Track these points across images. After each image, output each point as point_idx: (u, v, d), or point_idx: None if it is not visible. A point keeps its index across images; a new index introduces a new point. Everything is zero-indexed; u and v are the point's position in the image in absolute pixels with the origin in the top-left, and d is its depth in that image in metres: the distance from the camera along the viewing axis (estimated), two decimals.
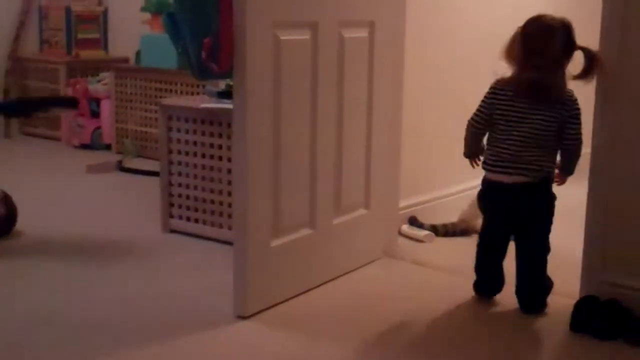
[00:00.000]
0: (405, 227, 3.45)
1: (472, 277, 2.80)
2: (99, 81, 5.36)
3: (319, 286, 2.85)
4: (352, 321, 2.61)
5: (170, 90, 4.88)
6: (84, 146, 5.31)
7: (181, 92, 4.81)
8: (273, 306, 2.67)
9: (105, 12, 5.78)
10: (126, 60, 5.56)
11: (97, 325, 2.53)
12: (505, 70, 2.62)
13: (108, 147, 5.27)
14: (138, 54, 5.10)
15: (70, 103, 3.90)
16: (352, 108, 2.93)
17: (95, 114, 5.33)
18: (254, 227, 2.58)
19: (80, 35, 5.67)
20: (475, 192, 2.75)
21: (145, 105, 5.06)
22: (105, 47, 5.82)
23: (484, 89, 2.69)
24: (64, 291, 2.82)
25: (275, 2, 2.54)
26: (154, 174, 4.26)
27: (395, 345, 2.45)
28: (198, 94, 4.58)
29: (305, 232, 2.80)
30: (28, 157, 5.15)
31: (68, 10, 5.62)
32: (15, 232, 3.41)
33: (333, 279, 2.92)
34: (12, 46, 5.80)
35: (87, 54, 5.67)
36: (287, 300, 2.72)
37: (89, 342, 2.42)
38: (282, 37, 2.58)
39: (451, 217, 3.53)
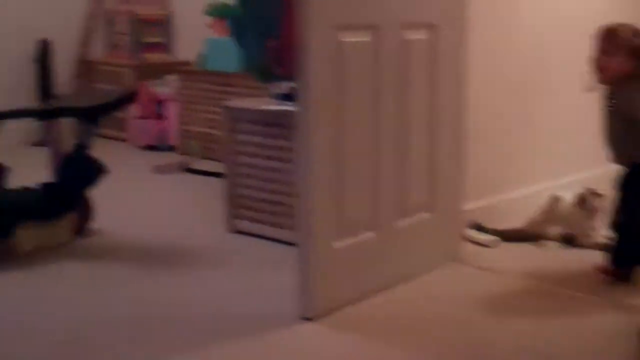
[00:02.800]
0: (470, 232, 3.39)
1: (540, 281, 2.73)
2: (164, 84, 5.42)
3: (382, 289, 2.82)
4: (416, 326, 2.57)
5: (234, 93, 4.88)
6: (150, 147, 5.37)
7: (245, 95, 4.82)
8: (337, 308, 2.65)
9: (170, 17, 5.84)
10: (191, 63, 5.61)
11: (164, 324, 2.55)
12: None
13: (173, 148, 5.32)
14: (202, 57, 5.13)
15: (131, 98, 3.94)
16: (415, 109, 2.89)
17: (161, 116, 5.39)
18: (318, 229, 2.57)
19: (146, 39, 5.74)
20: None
21: (209, 107, 5.09)
22: (170, 51, 5.88)
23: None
24: (134, 289, 2.85)
25: (336, 4, 2.52)
26: (218, 174, 4.29)
27: (459, 351, 2.40)
28: (261, 96, 4.58)
29: (368, 234, 2.77)
30: (96, 157, 5.22)
31: (134, 14, 5.70)
32: (88, 231, 3.47)
33: (397, 283, 2.89)
34: (80, 50, 5.91)
35: (152, 57, 5.74)
36: (351, 302, 2.70)
37: (157, 340, 2.44)
38: (344, 40, 2.56)
39: (517, 221, 3.46)
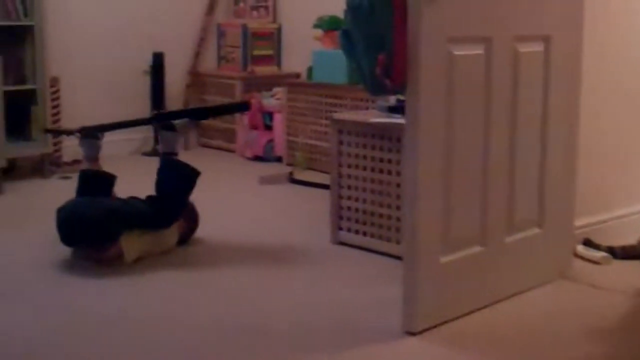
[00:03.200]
0: (581, 248, 3.29)
1: None
2: (272, 96, 5.50)
3: (489, 305, 2.76)
4: (522, 343, 2.50)
5: (340, 105, 4.91)
6: (257, 158, 5.45)
7: (351, 107, 4.84)
8: (442, 324, 2.61)
9: (279, 30, 5.93)
10: (298, 75, 5.67)
11: (267, 332, 2.57)
12: None
13: (279, 159, 5.38)
14: (310, 69, 5.18)
15: (244, 107, 4.03)
16: (526, 123, 2.82)
17: (268, 127, 5.47)
18: (424, 242, 2.54)
19: (255, 52, 5.84)
20: None
21: (316, 119, 5.13)
22: (279, 63, 5.97)
23: None
24: (238, 298, 2.89)
25: (449, 18, 2.49)
26: (324, 186, 4.31)
27: None
28: (367, 108, 4.59)
29: (475, 249, 2.72)
30: (205, 167, 5.29)
31: (245, 28, 5.81)
32: (194, 239, 3.55)
33: (504, 299, 2.82)
34: (192, 62, 6.07)
35: (261, 69, 5.83)
36: (456, 318, 2.65)
37: (259, 348, 2.46)
38: (456, 53, 2.53)
39: (630, 238, 3.33)
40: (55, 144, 4.99)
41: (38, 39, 4.78)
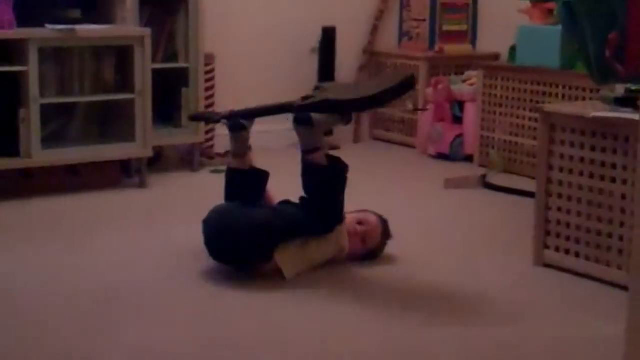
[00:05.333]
0: None
1: None
2: (464, 81, 5.48)
3: None
4: None
5: (550, 94, 4.84)
6: (442, 156, 5.46)
7: (563, 97, 4.75)
8: None
9: (475, 0, 5.90)
10: (497, 56, 5.62)
11: None
12: None
13: (470, 158, 5.37)
14: (512, 49, 5.14)
15: (407, 85, 3.77)
16: None
17: (458, 120, 5.46)
18: None
19: (445, 27, 5.85)
20: None
21: (518, 111, 5.08)
22: (474, 41, 5.94)
23: None
24: (408, 324, 2.92)
25: None
26: (527, 194, 4.26)
27: None
28: (584, 99, 4.49)
29: None
30: (378, 165, 5.39)
31: None
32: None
33: None
34: (368, 39, 6.14)
35: (452, 48, 5.83)
36: None
37: None
38: None
39: None
40: (207, 132, 5.18)
41: (192, 10, 5.00)
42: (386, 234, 3.57)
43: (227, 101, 5.02)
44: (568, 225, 3.40)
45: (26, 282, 3.24)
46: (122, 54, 4.69)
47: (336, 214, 3.42)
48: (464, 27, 5.90)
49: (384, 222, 3.58)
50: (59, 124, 4.66)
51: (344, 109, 3.47)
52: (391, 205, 4.19)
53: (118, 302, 3.06)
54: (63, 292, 3.14)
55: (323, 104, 3.36)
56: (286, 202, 3.52)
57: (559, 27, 4.55)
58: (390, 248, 3.59)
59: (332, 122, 3.51)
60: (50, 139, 4.51)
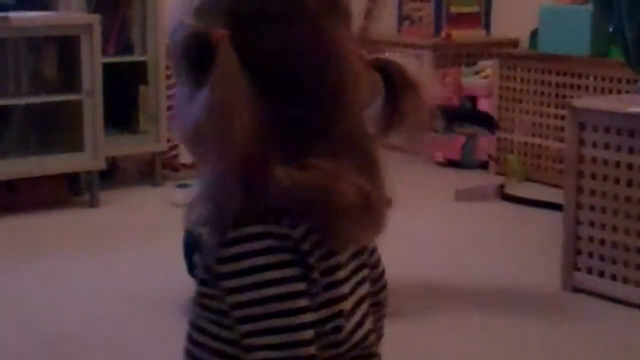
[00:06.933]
0: None
1: None
2: (476, 72, 5.49)
3: None
4: None
5: (579, 87, 4.84)
6: (452, 163, 5.47)
7: (594, 89, 4.75)
8: None
9: None
10: (516, 43, 5.62)
11: None
12: None
13: (484, 165, 5.38)
14: (534, 34, 5.15)
15: (487, 122, 3.89)
16: None
17: None
18: None
19: (453, 9, 5.85)
20: None
21: (541, 108, 5.08)
22: (487, 25, 5.94)
23: None
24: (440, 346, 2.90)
25: None
26: (553, 205, 4.25)
27: None
28: (620, 91, 4.49)
29: None
30: None
31: None
32: None
33: None
34: (362, 24, 6.13)
35: (461, 34, 5.82)
36: None
37: None
38: None
39: None
40: (170, 139, 5.15)
41: None
42: None
43: None
44: (602, 242, 3.40)
45: None
46: (66, 46, 4.67)
47: None
48: (476, 9, 5.91)
49: None
50: None
51: None
52: (392, 222, 4.17)
53: (59, 347, 3.03)
54: None
55: None
56: None
57: (589, 7, 4.55)
58: (397, 272, 3.58)
59: None
60: None
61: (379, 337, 1.43)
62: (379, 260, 1.41)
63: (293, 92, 1.18)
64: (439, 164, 5.51)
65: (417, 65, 1.31)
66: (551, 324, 3.23)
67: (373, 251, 1.40)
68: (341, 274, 1.24)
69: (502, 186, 4.89)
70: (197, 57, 1.16)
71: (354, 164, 1.20)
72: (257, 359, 1.15)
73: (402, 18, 6.12)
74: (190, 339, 1.28)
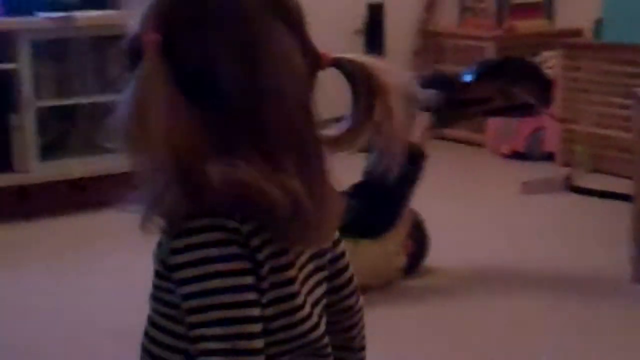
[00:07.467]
0: None
1: None
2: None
3: None
4: None
5: None
6: (517, 155, 5.44)
7: None
8: None
9: None
10: (580, 32, 5.58)
11: None
12: None
13: (551, 156, 5.35)
14: (599, 23, 5.11)
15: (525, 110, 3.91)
16: None
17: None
18: None
19: (516, 0, 5.81)
20: None
21: (608, 98, 5.04)
22: (550, 15, 5.90)
23: None
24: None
25: None
26: (621, 197, 4.21)
27: None
28: None
29: None
30: (440, 168, 5.33)
31: None
32: (422, 270, 3.60)
33: None
34: (423, 17, 6.11)
35: (525, 25, 5.80)
36: None
37: None
38: None
39: None
40: None
41: None
42: (423, 241, 3.60)
43: None
44: None
45: None
46: None
47: (397, 209, 3.44)
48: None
49: (419, 226, 3.60)
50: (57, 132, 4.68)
51: None
52: (458, 215, 4.16)
53: None
54: None
55: None
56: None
57: None
58: (458, 266, 3.58)
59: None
60: (48, 150, 4.52)
61: (362, 347, 1.44)
62: (346, 267, 1.39)
63: (220, 95, 1.19)
64: (505, 156, 5.49)
65: (394, 68, 1.30)
66: (622, 316, 3.20)
67: (338, 258, 1.37)
68: (292, 272, 1.23)
69: (569, 178, 4.85)
70: (131, 60, 1.21)
71: (293, 165, 1.19)
72: (201, 349, 1.16)
73: (463, 10, 6.10)
74: (147, 335, 1.29)
